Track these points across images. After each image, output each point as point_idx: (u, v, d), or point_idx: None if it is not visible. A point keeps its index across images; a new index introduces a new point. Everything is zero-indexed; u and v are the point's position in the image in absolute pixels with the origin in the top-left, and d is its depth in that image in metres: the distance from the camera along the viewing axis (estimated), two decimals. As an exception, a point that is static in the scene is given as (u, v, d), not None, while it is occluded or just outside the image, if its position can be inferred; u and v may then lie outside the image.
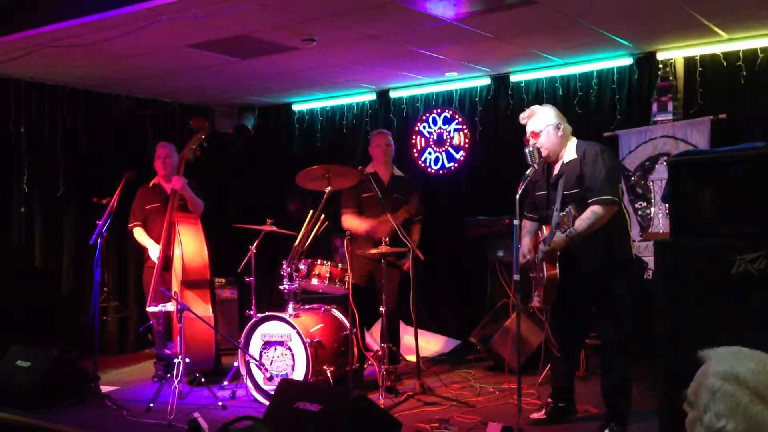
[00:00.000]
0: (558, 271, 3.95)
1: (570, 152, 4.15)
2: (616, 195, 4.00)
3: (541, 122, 4.14)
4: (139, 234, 5.74)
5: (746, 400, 1.43)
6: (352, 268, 4.95)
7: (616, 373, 4.12)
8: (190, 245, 5.53)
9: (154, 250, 5.58)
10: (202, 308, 5.48)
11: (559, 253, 3.96)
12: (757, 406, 1.43)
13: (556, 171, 4.19)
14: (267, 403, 4.53)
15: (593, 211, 3.93)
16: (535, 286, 4.14)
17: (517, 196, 3.92)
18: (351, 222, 5.45)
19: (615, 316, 4.09)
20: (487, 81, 6.75)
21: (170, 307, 4.91)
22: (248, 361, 5.02)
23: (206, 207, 5.81)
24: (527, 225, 4.36)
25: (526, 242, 4.28)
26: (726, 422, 1.44)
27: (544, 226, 4.15)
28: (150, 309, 5.33)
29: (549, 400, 4.44)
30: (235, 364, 5.19)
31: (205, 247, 5.61)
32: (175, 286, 5.40)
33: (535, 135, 4.15)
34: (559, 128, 4.13)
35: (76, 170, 6.83)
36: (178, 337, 4.93)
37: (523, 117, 4.24)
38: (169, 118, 7.56)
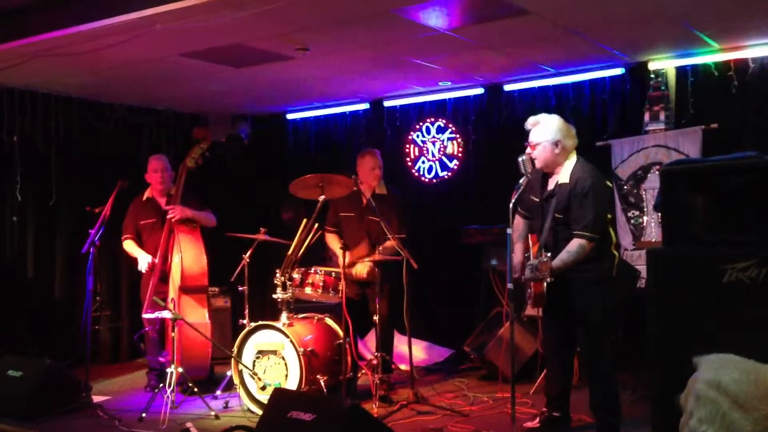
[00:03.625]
0: (545, 287, 4.00)
1: (565, 173, 4.16)
2: (599, 232, 4.06)
3: (541, 136, 4.17)
4: (129, 246, 5.73)
5: (726, 407, 1.46)
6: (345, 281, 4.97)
7: (601, 384, 4.14)
8: (190, 252, 5.55)
9: (143, 261, 5.57)
10: (200, 314, 5.49)
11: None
12: (735, 413, 1.45)
13: (550, 186, 4.22)
14: (260, 412, 4.52)
15: (580, 245, 4.01)
16: (526, 289, 4.16)
17: (510, 205, 3.94)
18: (332, 244, 5.56)
19: (594, 332, 4.12)
20: (480, 90, 6.77)
21: (166, 314, 4.91)
22: (241, 370, 5.01)
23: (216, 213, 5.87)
24: (519, 225, 4.41)
25: (517, 251, 4.32)
26: (707, 427, 1.46)
27: (529, 237, 4.20)
28: (146, 315, 5.32)
29: (544, 409, 4.44)
30: (228, 373, 5.18)
31: (204, 255, 5.63)
32: (172, 294, 5.39)
33: (533, 146, 4.18)
34: (557, 145, 4.14)
35: (70, 179, 6.82)
36: (172, 346, 4.92)
37: (528, 124, 4.28)
38: (163, 126, 7.56)
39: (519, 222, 4.43)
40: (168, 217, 5.57)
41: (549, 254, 3.94)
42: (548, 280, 3.89)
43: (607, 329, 4.20)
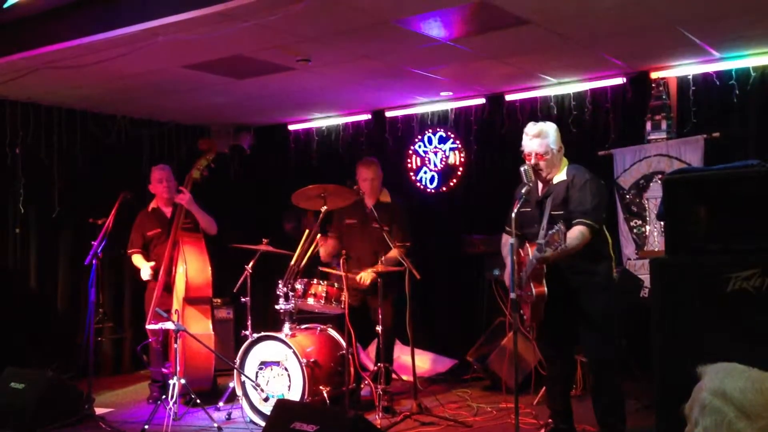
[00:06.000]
0: (546, 288, 3.97)
1: (560, 174, 4.17)
2: (599, 222, 4.04)
3: (548, 146, 4.13)
4: (136, 260, 5.74)
5: (731, 417, 1.45)
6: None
7: (605, 393, 4.12)
8: (194, 263, 5.56)
9: (144, 270, 5.57)
10: (203, 325, 5.49)
11: (545, 271, 3.98)
12: (740, 423, 1.44)
13: (544, 189, 4.21)
14: (263, 424, 4.50)
15: (581, 231, 3.97)
16: (522, 303, 4.14)
17: (513, 215, 3.92)
18: (325, 252, 5.57)
19: (599, 337, 4.10)
20: (482, 100, 6.79)
21: (170, 325, 4.92)
22: (244, 381, 5.00)
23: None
24: (507, 243, 4.37)
25: (508, 261, 4.29)
26: None
27: (527, 243, 4.17)
28: (149, 326, 5.31)
29: (549, 420, 4.42)
30: (231, 384, 5.16)
31: (209, 266, 5.63)
32: (176, 306, 5.39)
33: (540, 157, 4.13)
34: (561, 152, 4.18)
35: (72, 191, 6.83)
36: (175, 357, 4.91)
37: (529, 133, 4.17)
38: (165, 138, 7.58)
39: (507, 240, 4.33)
40: (176, 199, 5.59)
41: (559, 226, 3.83)
42: (563, 245, 3.74)
43: (613, 334, 4.16)
